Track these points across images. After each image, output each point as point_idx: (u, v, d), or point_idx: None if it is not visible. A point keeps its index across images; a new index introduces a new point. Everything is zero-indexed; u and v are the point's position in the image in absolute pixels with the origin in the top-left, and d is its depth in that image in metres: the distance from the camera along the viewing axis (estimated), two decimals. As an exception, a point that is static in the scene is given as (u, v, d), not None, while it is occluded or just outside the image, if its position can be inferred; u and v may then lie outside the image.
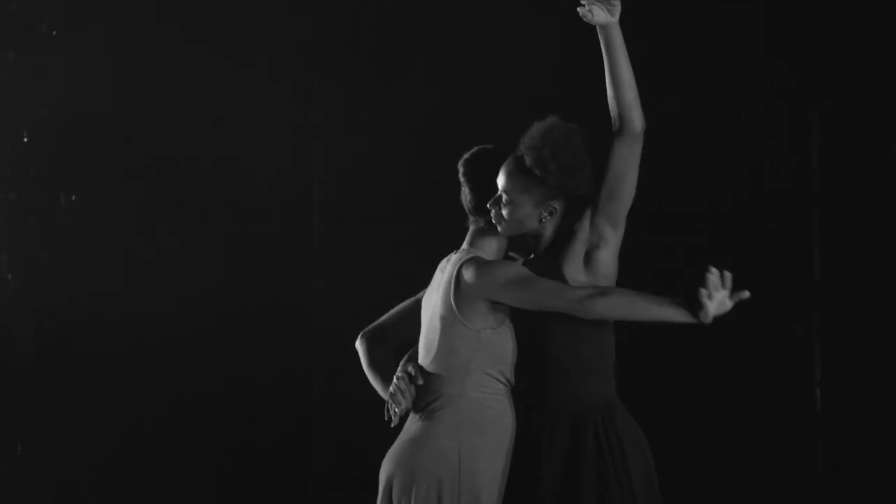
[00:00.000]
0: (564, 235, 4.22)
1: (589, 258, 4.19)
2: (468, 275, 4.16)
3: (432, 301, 4.27)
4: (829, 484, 6.15)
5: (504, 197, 4.16)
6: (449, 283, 4.19)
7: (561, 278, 4.14)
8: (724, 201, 6.25)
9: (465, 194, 4.29)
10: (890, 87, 6.02)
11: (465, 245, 4.32)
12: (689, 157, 6.17)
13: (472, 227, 4.32)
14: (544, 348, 4.19)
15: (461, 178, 4.30)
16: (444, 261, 4.33)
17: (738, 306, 6.11)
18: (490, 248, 4.29)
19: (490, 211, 4.20)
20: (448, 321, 4.19)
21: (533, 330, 4.19)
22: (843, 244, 6.11)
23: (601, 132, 6.17)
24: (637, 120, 4.18)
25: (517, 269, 4.15)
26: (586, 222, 4.19)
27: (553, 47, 6.33)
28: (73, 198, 6.47)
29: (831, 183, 6.17)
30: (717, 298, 4.01)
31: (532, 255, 4.29)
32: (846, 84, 6.11)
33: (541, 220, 4.18)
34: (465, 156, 4.32)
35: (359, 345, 4.50)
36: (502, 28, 6.47)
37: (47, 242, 6.47)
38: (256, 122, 6.60)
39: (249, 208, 6.62)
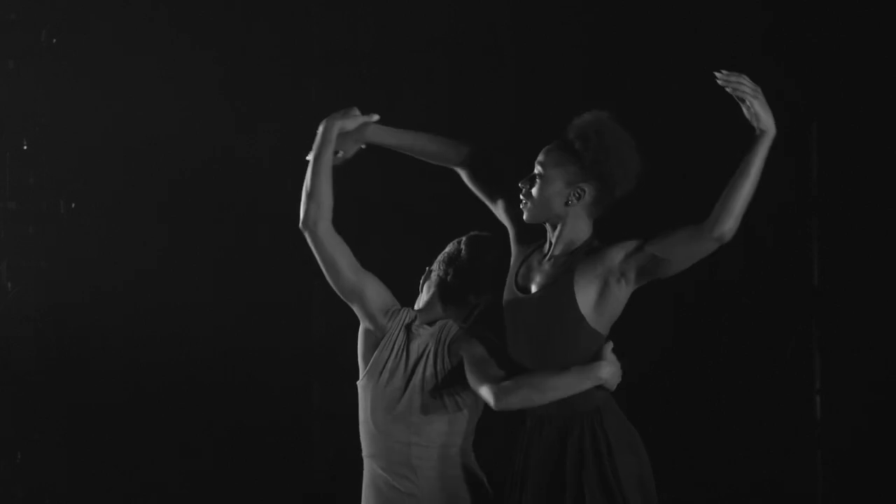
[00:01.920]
0: (586, 251, 4.19)
1: (606, 286, 4.15)
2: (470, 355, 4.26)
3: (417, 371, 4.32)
4: (828, 492, 6.16)
5: (537, 169, 4.16)
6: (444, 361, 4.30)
7: (570, 289, 4.12)
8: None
9: (449, 274, 4.38)
10: (888, 93, 6.01)
11: (426, 308, 4.41)
12: (686, 164, 6.16)
13: (436, 292, 4.40)
14: (535, 356, 4.18)
15: (457, 260, 4.40)
16: (405, 323, 4.38)
17: (738, 313, 6.16)
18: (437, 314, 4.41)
19: (521, 190, 4.20)
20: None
21: (525, 339, 4.18)
22: (842, 251, 6.11)
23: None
24: (723, 229, 4.11)
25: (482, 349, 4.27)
26: (618, 256, 4.14)
27: (552, 49, 6.33)
28: (73, 205, 6.47)
29: (830, 190, 6.16)
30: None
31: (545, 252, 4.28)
32: (845, 91, 6.10)
33: (567, 203, 4.15)
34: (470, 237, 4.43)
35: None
36: (503, 30, 6.47)
37: (47, 250, 6.47)
38: (256, 123, 6.60)
39: (248, 210, 6.63)
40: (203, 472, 6.59)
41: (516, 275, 4.26)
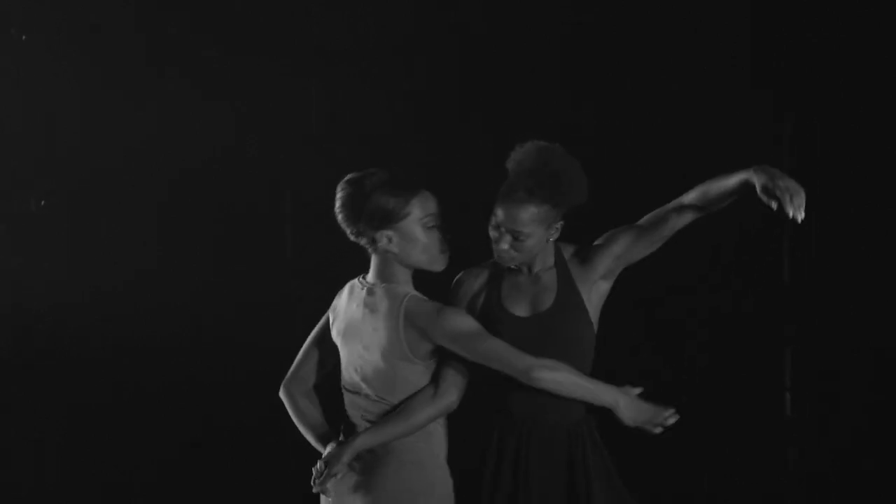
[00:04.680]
0: (571, 259, 4.25)
1: (597, 287, 4.25)
2: (419, 319, 4.24)
3: (363, 335, 4.35)
4: (798, 490, 6.16)
5: (517, 233, 4.17)
6: (395, 323, 4.27)
7: (581, 303, 4.18)
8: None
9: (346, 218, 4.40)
10: (886, 93, 6.01)
11: (374, 274, 4.39)
12: (686, 164, 6.16)
13: (372, 253, 4.40)
14: None
15: (345, 199, 4.38)
16: (349, 289, 4.44)
17: (710, 310, 6.15)
18: (403, 278, 4.37)
19: (496, 239, 4.22)
20: (398, 356, 4.29)
21: (522, 348, 4.21)
22: (813, 248, 6.12)
23: (600, 136, 6.23)
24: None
25: (468, 322, 4.23)
26: (605, 261, 4.22)
27: (552, 49, 6.33)
28: (43, 203, 6.46)
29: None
30: (649, 420, 4.22)
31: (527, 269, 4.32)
32: (844, 91, 6.10)
33: (548, 241, 4.23)
34: (353, 177, 4.41)
35: (283, 396, 4.66)
36: (502, 30, 6.47)
37: (19, 248, 6.46)
38: (256, 123, 6.60)
39: (248, 210, 6.63)
40: (203, 472, 6.59)
41: (500, 298, 4.30)
